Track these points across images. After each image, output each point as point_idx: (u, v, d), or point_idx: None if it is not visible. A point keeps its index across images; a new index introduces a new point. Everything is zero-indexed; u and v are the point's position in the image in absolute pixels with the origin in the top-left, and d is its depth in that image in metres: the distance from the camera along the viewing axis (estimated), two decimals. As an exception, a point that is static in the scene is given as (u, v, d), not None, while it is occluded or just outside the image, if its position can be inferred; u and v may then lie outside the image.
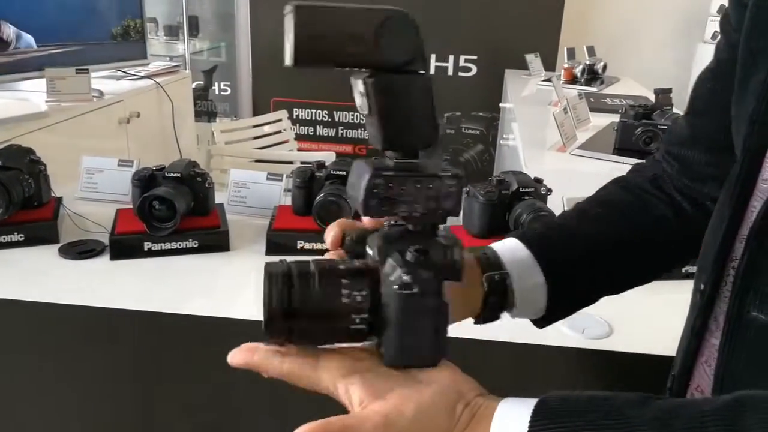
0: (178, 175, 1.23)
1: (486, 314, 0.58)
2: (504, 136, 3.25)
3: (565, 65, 3.13)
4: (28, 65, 2.28)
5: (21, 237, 1.19)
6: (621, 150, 1.91)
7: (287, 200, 1.34)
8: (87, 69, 2.35)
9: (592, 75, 3.14)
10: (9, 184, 1.16)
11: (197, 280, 1.15)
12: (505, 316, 0.60)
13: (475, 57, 3.64)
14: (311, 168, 1.28)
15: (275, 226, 1.24)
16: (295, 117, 3.78)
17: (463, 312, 0.57)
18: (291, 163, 2.43)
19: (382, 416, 0.42)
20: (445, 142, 3.73)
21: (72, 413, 1.15)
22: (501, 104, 3.38)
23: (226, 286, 1.16)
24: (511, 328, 1.02)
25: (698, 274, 0.60)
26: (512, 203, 1.19)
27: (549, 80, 2.84)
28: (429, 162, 0.46)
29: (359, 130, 3.85)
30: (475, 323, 0.59)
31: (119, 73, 2.76)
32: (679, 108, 2.46)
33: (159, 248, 1.18)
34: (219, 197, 1.35)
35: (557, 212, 1.18)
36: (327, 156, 2.38)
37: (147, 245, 1.18)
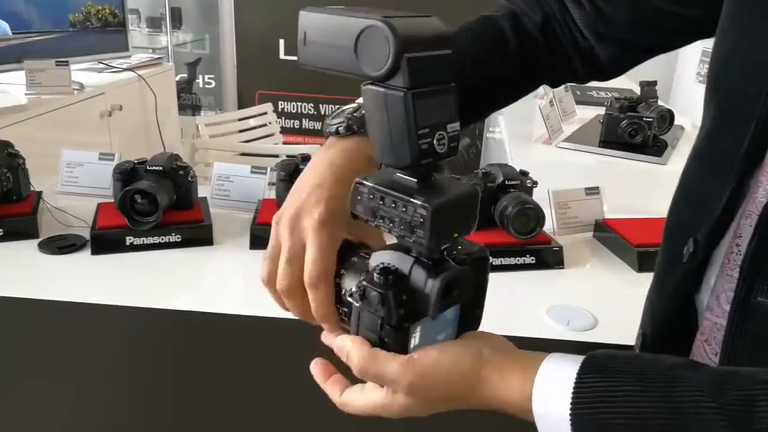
0: (160, 168, 1.21)
1: None
2: (490, 129, 3.24)
3: (551, 58, 3.13)
4: (5, 56, 2.24)
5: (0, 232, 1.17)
6: (606, 142, 1.92)
7: (271, 194, 1.33)
8: (67, 61, 2.31)
9: (578, 68, 3.14)
10: (-14, 178, 1.14)
11: (181, 274, 1.13)
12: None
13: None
14: (295, 161, 1.27)
15: (259, 220, 1.23)
16: (280, 110, 3.75)
17: None
18: (276, 156, 2.41)
19: (410, 358, 0.45)
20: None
21: (52, 410, 1.13)
22: (487, 97, 3.38)
23: (210, 280, 1.15)
24: (495, 321, 1.02)
25: (679, 232, 0.58)
26: (498, 196, 1.19)
27: (535, 73, 2.84)
28: (422, 183, 0.44)
29: (345, 123, 3.83)
30: None
31: (100, 66, 2.72)
32: (664, 100, 2.47)
33: (141, 243, 1.17)
34: (203, 191, 1.33)
35: (543, 205, 1.18)
36: (313, 149, 2.36)
37: (129, 240, 1.16)
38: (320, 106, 3.82)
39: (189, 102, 3.95)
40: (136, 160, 1.24)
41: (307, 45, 0.45)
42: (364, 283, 0.45)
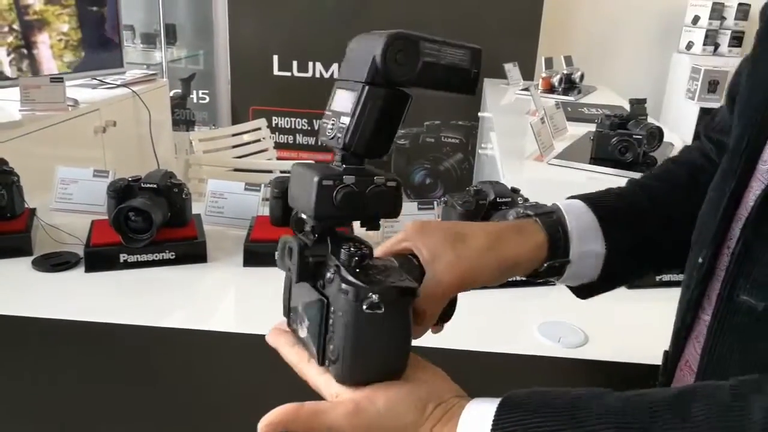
0: (155, 185, 1.22)
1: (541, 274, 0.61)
2: (482, 145, 3.27)
3: (543, 75, 3.17)
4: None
5: (-7, 249, 1.17)
6: (597, 159, 1.94)
7: (265, 210, 1.34)
8: (62, 78, 2.33)
9: (570, 84, 3.18)
10: (-19, 196, 1.15)
11: (174, 292, 1.14)
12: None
13: (453, 66, 3.65)
14: (289, 177, 1.28)
15: (253, 236, 1.23)
16: (274, 125, 3.77)
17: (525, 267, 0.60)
18: (270, 171, 2.42)
19: (354, 403, 0.46)
20: (425, 151, 3.75)
21: (45, 428, 1.13)
22: (480, 113, 3.41)
23: (204, 297, 1.15)
24: (487, 338, 1.03)
25: (696, 248, 0.60)
26: (489, 213, 1.20)
27: (527, 89, 2.87)
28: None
29: (339, 139, 3.85)
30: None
31: (95, 82, 2.73)
32: (654, 118, 2.50)
33: (135, 260, 1.17)
34: (197, 207, 1.34)
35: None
36: (306, 165, 2.37)
37: (123, 257, 1.17)
38: (314, 121, 3.84)
39: (183, 117, 3.97)
40: (131, 178, 1.24)
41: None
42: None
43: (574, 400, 0.43)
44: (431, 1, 3.48)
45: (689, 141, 3.20)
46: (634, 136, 1.89)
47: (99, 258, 1.16)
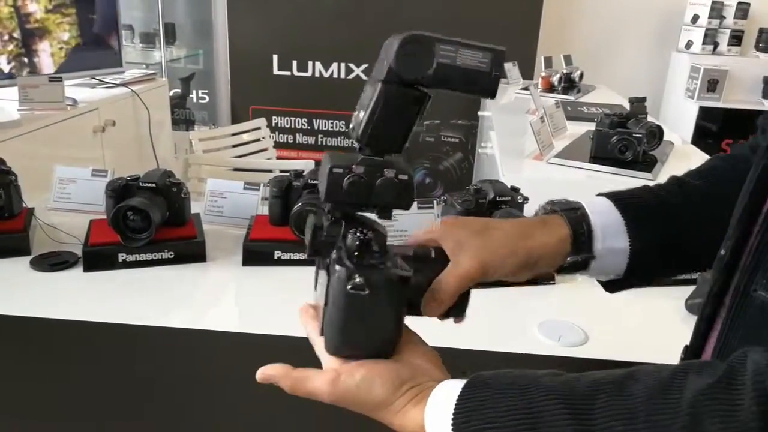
0: (153, 185, 1.22)
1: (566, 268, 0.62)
2: (482, 144, 3.27)
3: (543, 74, 3.16)
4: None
5: (-9, 249, 1.17)
6: (596, 158, 1.94)
7: (264, 209, 1.34)
8: (60, 77, 2.32)
9: (569, 83, 3.17)
10: (-21, 195, 1.14)
11: (173, 291, 1.13)
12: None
13: (453, 65, 3.65)
14: (288, 177, 1.28)
15: (252, 236, 1.23)
16: (274, 125, 3.77)
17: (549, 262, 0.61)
18: (270, 171, 2.42)
19: (335, 373, 0.49)
20: (424, 150, 3.74)
21: (43, 427, 1.12)
22: (479, 112, 3.41)
23: (202, 297, 1.15)
24: (487, 337, 1.03)
25: (724, 242, 0.60)
26: (489, 212, 1.20)
27: (526, 89, 2.87)
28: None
29: (339, 138, 3.85)
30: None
31: (93, 81, 2.73)
32: (654, 116, 2.50)
33: (134, 259, 1.17)
34: (196, 207, 1.33)
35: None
36: (306, 164, 2.37)
37: (121, 256, 1.16)
38: (314, 120, 3.83)
39: (182, 117, 3.96)
40: (129, 177, 1.24)
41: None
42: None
43: (533, 379, 0.45)
44: (431, 1, 3.48)
45: (689, 140, 3.20)
46: (633, 135, 1.89)
47: (97, 257, 1.16)
